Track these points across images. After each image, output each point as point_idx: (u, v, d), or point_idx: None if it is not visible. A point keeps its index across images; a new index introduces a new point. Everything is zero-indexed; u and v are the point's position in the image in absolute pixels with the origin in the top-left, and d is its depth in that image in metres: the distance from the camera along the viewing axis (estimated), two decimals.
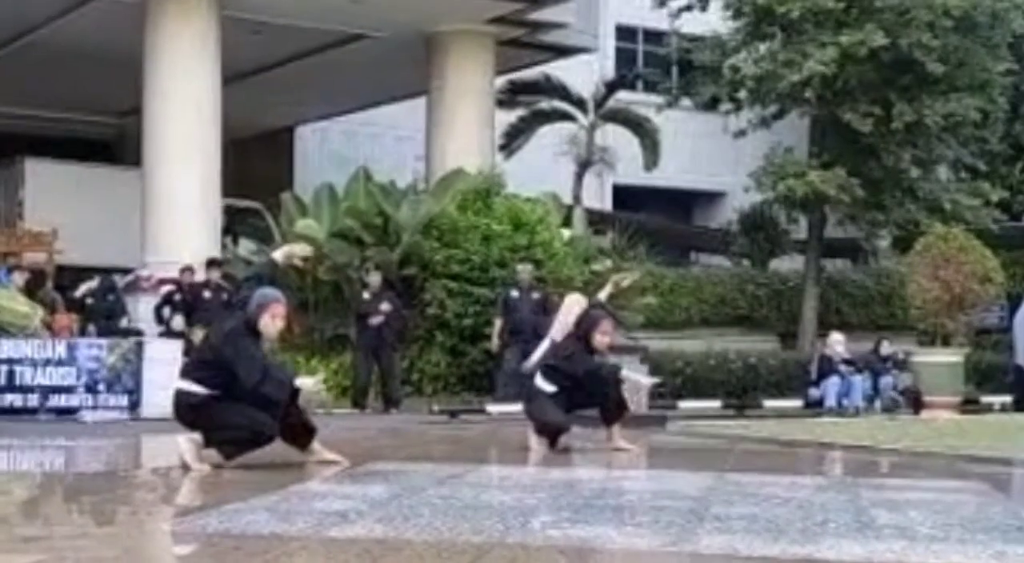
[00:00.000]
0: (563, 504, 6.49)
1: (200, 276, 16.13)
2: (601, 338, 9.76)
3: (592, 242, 19.28)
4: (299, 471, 7.71)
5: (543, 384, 9.83)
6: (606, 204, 27.87)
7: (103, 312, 15.94)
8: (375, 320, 14.99)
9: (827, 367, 17.57)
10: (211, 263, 15.96)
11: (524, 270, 16.02)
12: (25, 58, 21.17)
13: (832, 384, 17.25)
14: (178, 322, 15.03)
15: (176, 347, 14.10)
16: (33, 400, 13.16)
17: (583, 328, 9.97)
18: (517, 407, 13.36)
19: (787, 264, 23.94)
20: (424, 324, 16.56)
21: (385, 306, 15.14)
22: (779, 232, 23.86)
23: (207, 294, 15.67)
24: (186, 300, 15.91)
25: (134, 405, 13.48)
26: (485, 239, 16.82)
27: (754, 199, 22.95)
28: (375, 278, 15.46)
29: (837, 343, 17.95)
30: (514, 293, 15.86)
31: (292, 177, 25.65)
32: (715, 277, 22.76)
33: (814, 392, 17.43)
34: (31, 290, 15.47)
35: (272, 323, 7.92)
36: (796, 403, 17.13)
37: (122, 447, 10.69)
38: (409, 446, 10.88)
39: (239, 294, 15.02)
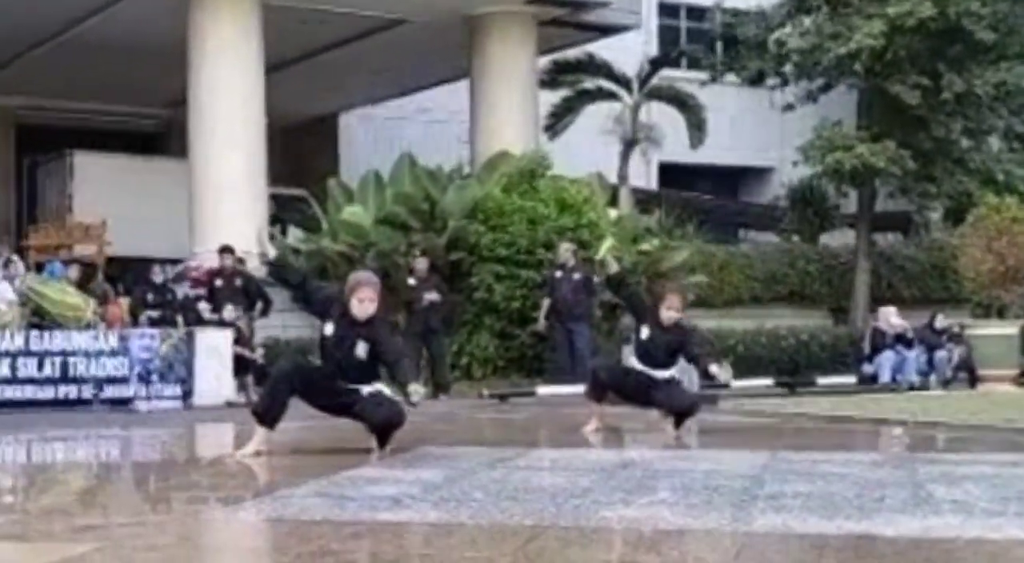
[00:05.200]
0: (615, 485, 6.47)
1: (215, 262, 16.04)
2: (667, 312, 9.54)
3: (639, 221, 19.15)
4: (351, 456, 7.73)
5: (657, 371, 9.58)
6: (652, 183, 27.73)
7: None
8: (419, 306, 15.03)
9: (880, 342, 17.39)
10: (223, 250, 15.88)
11: (565, 249, 15.89)
12: (71, 51, 21.32)
13: (886, 359, 17.06)
14: (229, 311, 15.06)
15: (227, 336, 14.19)
16: (87, 391, 13.31)
17: (653, 300, 9.78)
18: (567, 389, 13.37)
19: (837, 239, 23.68)
20: (472, 308, 16.55)
21: (431, 294, 15.14)
22: (828, 207, 23.61)
23: (219, 282, 15.65)
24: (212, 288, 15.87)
25: (187, 394, 13.60)
26: (531, 221, 16.76)
27: (802, 174, 22.73)
28: (422, 264, 15.46)
29: (891, 314, 17.74)
30: (557, 273, 15.82)
31: (338, 164, 25.71)
32: (765, 254, 22.54)
33: (867, 368, 17.25)
34: (82, 282, 15.60)
35: (360, 306, 7.96)
36: (849, 379, 16.96)
37: (176, 436, 10.79)
38: (460, 430, 10.89)
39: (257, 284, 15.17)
